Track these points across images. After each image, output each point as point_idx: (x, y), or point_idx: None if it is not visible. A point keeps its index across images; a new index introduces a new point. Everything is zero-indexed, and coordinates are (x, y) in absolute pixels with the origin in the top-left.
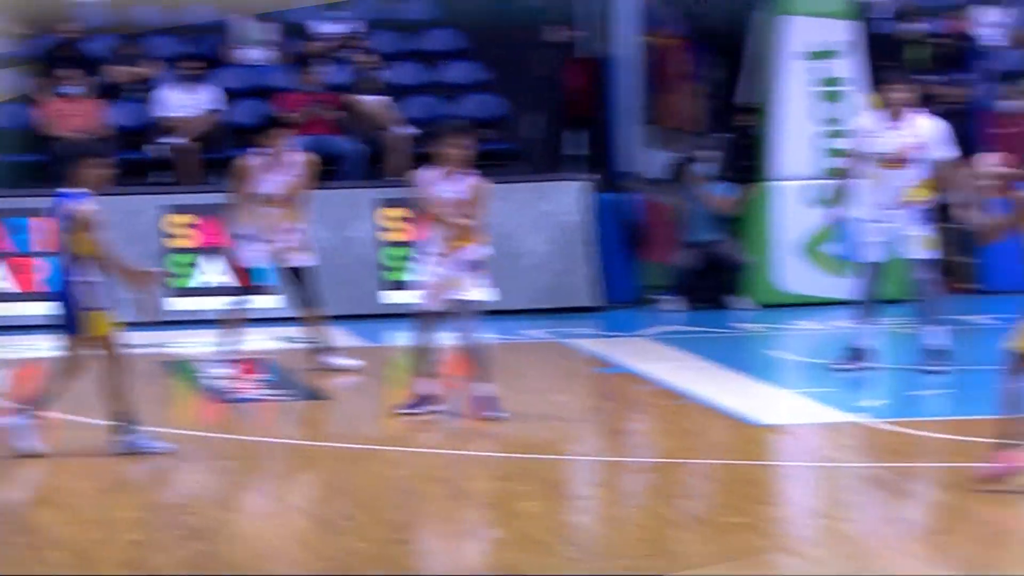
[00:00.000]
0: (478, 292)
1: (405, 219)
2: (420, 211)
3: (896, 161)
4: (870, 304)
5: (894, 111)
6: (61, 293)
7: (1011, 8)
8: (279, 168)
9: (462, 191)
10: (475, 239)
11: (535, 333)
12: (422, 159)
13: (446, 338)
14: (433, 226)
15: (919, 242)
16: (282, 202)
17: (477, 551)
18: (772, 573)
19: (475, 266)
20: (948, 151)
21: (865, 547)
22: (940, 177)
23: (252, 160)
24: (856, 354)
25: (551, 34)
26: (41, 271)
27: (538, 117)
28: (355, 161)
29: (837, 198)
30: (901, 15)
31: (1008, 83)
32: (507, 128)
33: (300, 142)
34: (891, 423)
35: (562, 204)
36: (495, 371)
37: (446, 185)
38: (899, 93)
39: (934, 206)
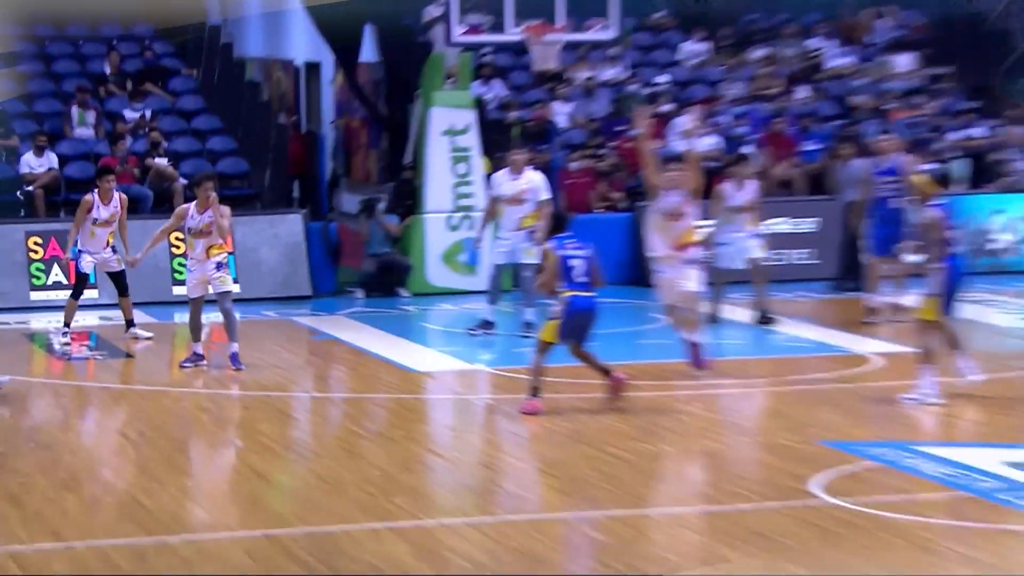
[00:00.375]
0: (228, 283)
1: (181, 239)
2: (187, 230)
3: (515, 201)
4: (495, 292)
5: (513, 168)
6: None
7: (575, 102)
8: (107, 202)
9: (211, 217)
10: (223, 248)
11: (269, 313)
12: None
13: (210, 315)
14: (195, 240)
15: (527, 252)
16: (107, 225)
17: (231, 456)
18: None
19: (221, 265)
20: (545, 194)
21: (485, 450)
22: (540, 211)
23: (91, 197)
24: (485, 325)
25: (281, 117)
26: None
27: (272, 173)
28: (150, 202)
29: (478, 224)
30: (504, 107)
31: (572, 151)
32: (250, 180)
33: (117, 187)
34: (501, 370)
35: (287, 229)
36: (242, 337)
37: (200, 213)
38: (517, 156)
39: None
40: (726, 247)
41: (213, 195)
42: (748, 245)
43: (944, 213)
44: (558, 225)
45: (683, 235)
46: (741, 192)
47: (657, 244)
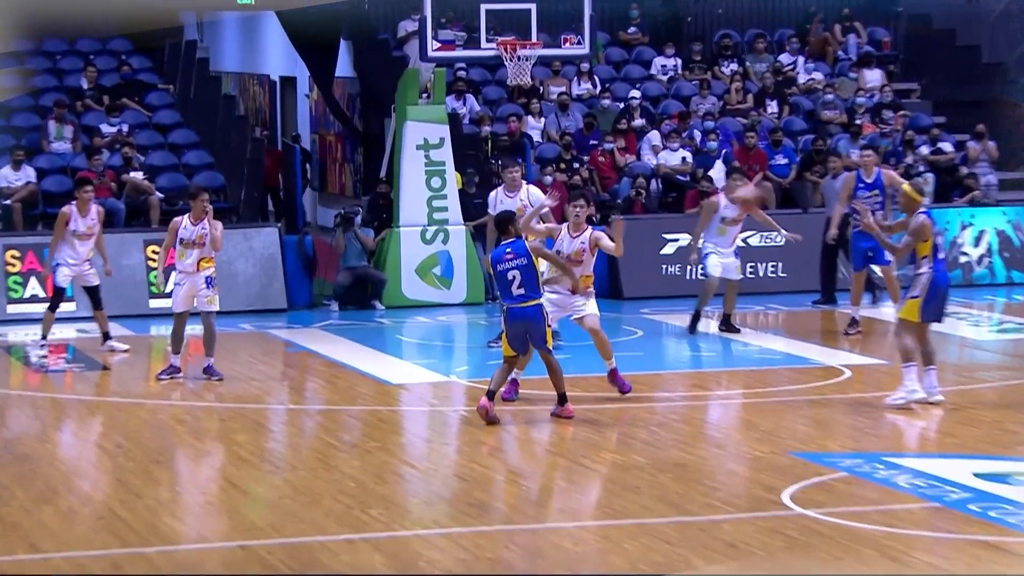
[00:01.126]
0: (215, 302)
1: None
2: (175, 243)
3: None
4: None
5: (510, 185)
6: None
7: (547, 117)
8: (85, 214)
9: (205, 229)
10: (212, 262)
11: (245, 326)
12: (173, 213)
13: (191, 329)
14: (184, 253)
15: None
16: (87, 238)
17: (208, 467)
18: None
19: (210, 281)
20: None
21: (459, 461)
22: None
23: (69, 209)
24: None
25: (256, 131)
26: None
27: (247, 186)
28: (122, 215)
29: (489, 244)
30: (477, 121)
31: (546, 165)
32: (226, 194)
33: (95, 200)
34: (476, 382)
35: (263, 242)
36: (217, 349)
37: (194, 225)
38: (513, 173)
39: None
40: (712, 256)
41: (210, 207)
42: (732, 264)
43: (931, 220)
44: (497, 231)
45: (580, 279)
46: (733, 205)
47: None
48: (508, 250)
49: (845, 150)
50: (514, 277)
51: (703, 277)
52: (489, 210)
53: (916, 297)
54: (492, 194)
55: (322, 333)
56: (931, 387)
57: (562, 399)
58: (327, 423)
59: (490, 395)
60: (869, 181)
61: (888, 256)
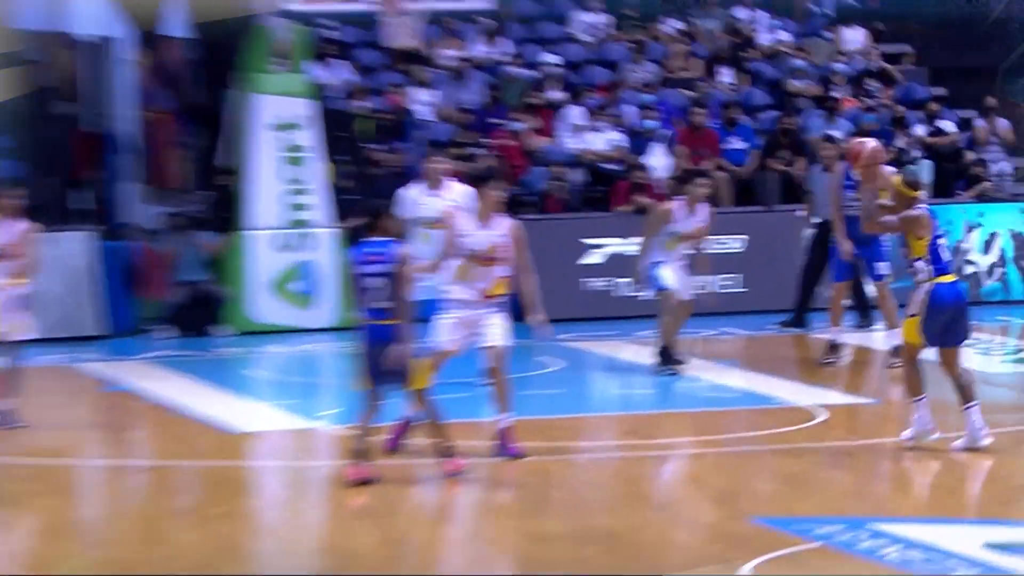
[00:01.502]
0: (25, 326)
1: None
2: None
3: (440, 223)
4: None
5: (432, 180)
6: None
7: (439, 89)
8: None
9: (14, 236)
10: (26, 278)
11: (49, 358)
12: None
13: None
14: None
15: None
16: None
17: (2, 542)
18: None
19: (25, 302)
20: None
21: (326, 530)
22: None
23: None
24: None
25: (59, 108)
26: None
27: (49, 179)
28: None
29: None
30: (350, 94)
31: (437, 149)
32: (25, 188)
33: None
34: (343, 428)
35: (71, 250)
36: (17, 390)
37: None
38: (436, 165)
39: None
40: (663, 267)
41: (19, 207)
42: (685, 280)
43: (930, 215)
44: (365, 226)
45: (495, 285)
46: (692, 217)
47: (458, 289)
48: (377, 251)
49: (818, 131)
50: (380, 286)
51: (657, 291)
52: (403, 212)
53: (914, 316)
54: (408, 193)
55: (149, 367)
56: (975, 429)
57: (446, 451)
58: (156, 483)
59: (358, 456)
60: (860, 177)
61: (882, 269)
